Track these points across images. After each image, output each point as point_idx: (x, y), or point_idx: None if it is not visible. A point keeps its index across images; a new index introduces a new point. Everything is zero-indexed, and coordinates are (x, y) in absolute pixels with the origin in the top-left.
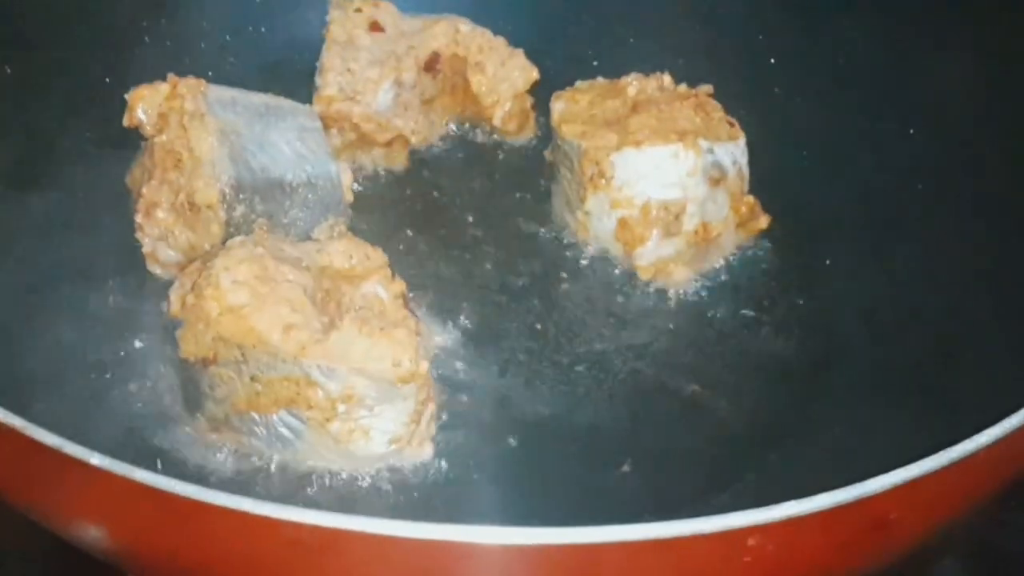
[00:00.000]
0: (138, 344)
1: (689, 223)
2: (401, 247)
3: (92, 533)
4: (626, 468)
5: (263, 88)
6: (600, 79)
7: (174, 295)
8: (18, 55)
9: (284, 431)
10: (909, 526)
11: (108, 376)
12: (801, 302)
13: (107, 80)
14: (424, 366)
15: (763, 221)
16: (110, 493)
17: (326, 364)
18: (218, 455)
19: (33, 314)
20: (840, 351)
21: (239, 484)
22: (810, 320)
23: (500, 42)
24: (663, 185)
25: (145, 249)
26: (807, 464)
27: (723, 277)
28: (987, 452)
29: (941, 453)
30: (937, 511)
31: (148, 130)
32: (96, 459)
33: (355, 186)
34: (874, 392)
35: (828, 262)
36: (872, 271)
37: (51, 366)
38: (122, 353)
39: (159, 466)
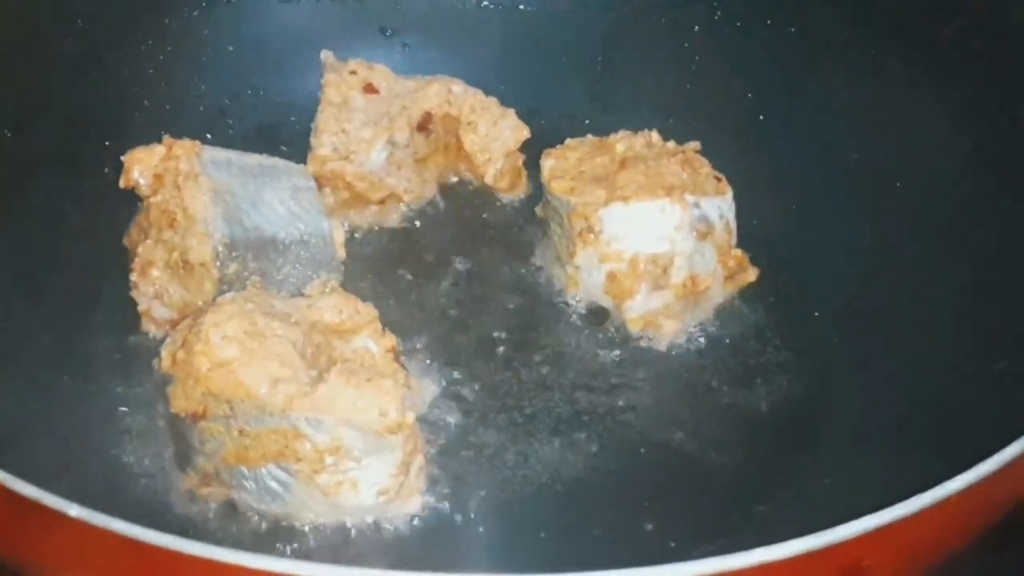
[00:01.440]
0: (131, 400)
1: (677, 276)
2: (393, 303)
3: None
4: (613, 520)
5: (260, 150)
6: (590, 137)
7: (165, 351)
8: (18, 119)
9: (273, 484)
10: (881, 572)
11: (100, 432)
12: (789, 354)
13: (107, 144)
14: (411, 416)
15: (751, 274)
16: (89, 544)
17: (313, 416)
18: (207, 510)
19: (29, 368)
20: (827, 403)
21: (225, 537)
22: (798, 372)
23: (492, 102)
24: (651, 239)
25: (141, 307)
26: (796, 516)
27: (712, 330)
28: (959, 497)
29: (911, 499)
30: (910, 557)
31: (144, 191)
32: (74, 510)
33: (347, 244)
34: (862, 442)
35: (816, 314)
36: (860, 324)
37: (44, 420)
38: (116, 409)
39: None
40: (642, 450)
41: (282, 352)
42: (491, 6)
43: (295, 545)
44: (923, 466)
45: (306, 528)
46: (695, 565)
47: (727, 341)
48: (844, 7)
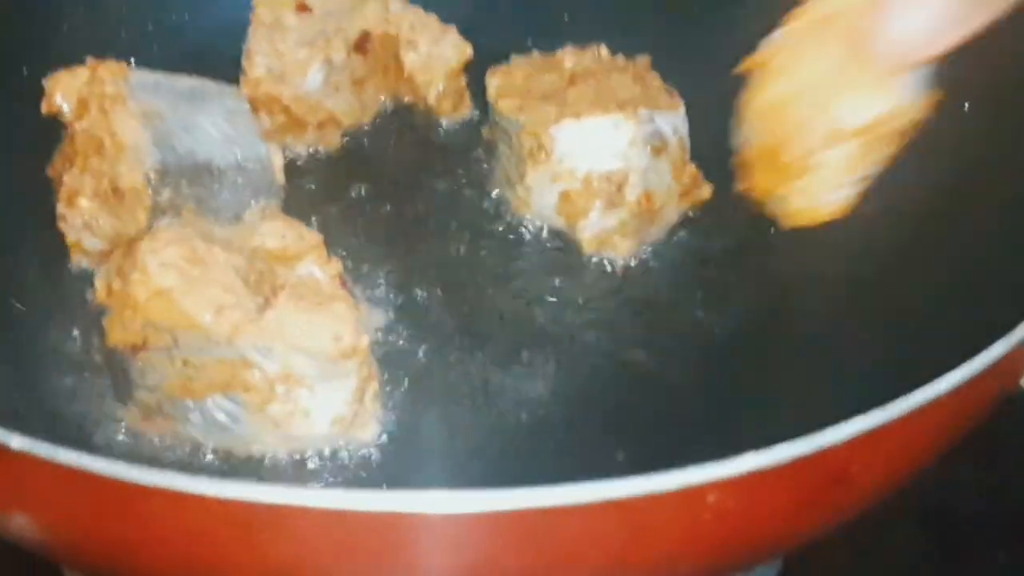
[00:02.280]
0: (64, 335)
1: (632, 194)
2: (336, 228)
3: (17, 522)
4: (580, 446)
5: (189, 75)
6: (536, 53)
7: (100, 281)
8: None
9: (220, 416)
10: (870, 478)
11: (34, 370)
12: (745, 272)
13: (24, 70)
14: (365, 340)
15: (706, 191)
16: (33, 477)
17: (262, 343)
18: (152, 444)
19: None
20: (789, 316)
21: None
22: (757, 287)
23: (432, 20)
24: (605, 156)
25: (69, 239)
26: (763, 429)
27: (667, 248)
28: (948, 397)
29: (901, 399)
30: (899, 461)
31: (68, 117)
32: (16, 441)
33: (287, 167)
34: (826, 354)
35: (772, 231)
36: (816, 239)
37: None
38: (48, 345)
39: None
40: (603, 370)
41: (225, 278)
42: None
43: (247, 477)
44: (895, 374)
45: (256, 459)
46: (684, 474)
47: (683, 259)
48: None
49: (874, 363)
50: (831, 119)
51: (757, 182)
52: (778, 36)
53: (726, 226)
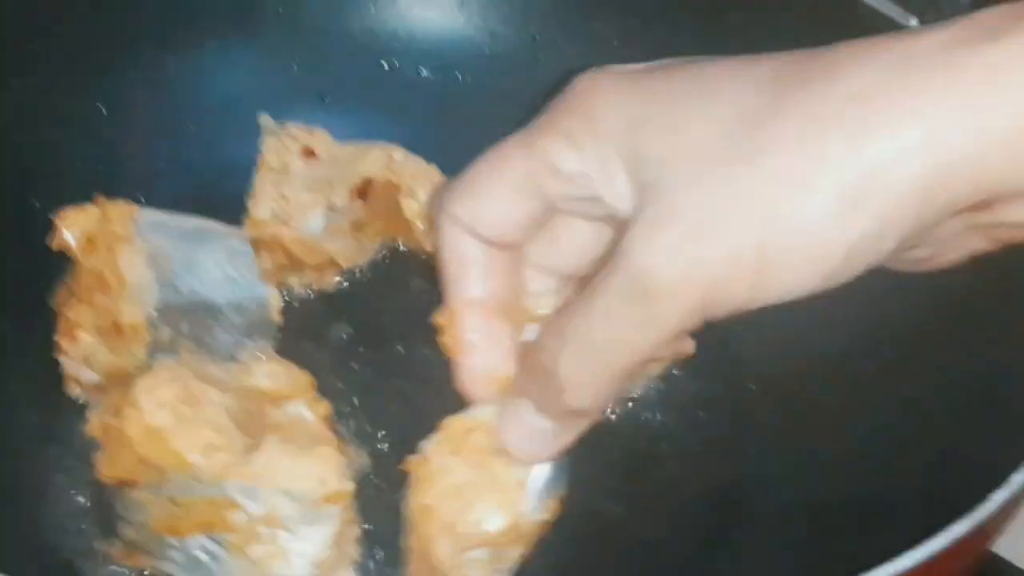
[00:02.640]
0: (55, 467)
1: None
2: (327, 369)
3: None
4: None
5: (196, 212)
6: None
7: (94, 415)
8: None
9: (202, 555)
10: None
11: (21, 498)
12: (725, 428)
13: (36, 204)
14: (349, 486)
15: (688, 346)
16: None
17: (249, 485)
18: None
19: None
20: (764, 478)
21: None
22: (734, 446)
23: (432, 170)
24: None
25: (66, 371)
26: None
27: (648, 402)
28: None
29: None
30: None
31: (75, 252)
32: None
33: (284, 307)
34: (797, 521)
35: (752, 387)
36: (797, 399)
37: None
38: (36, 477)
39: None
40: (579, 523)
41: (216, 419)
42: (431, 76)
43: None
44: (879, 534)
45: None
46: None
47: (663, 414)
48: None
49: (869, 517)
50: (468, 525)
51: None
52: (427, 444)
53: (705, 383)
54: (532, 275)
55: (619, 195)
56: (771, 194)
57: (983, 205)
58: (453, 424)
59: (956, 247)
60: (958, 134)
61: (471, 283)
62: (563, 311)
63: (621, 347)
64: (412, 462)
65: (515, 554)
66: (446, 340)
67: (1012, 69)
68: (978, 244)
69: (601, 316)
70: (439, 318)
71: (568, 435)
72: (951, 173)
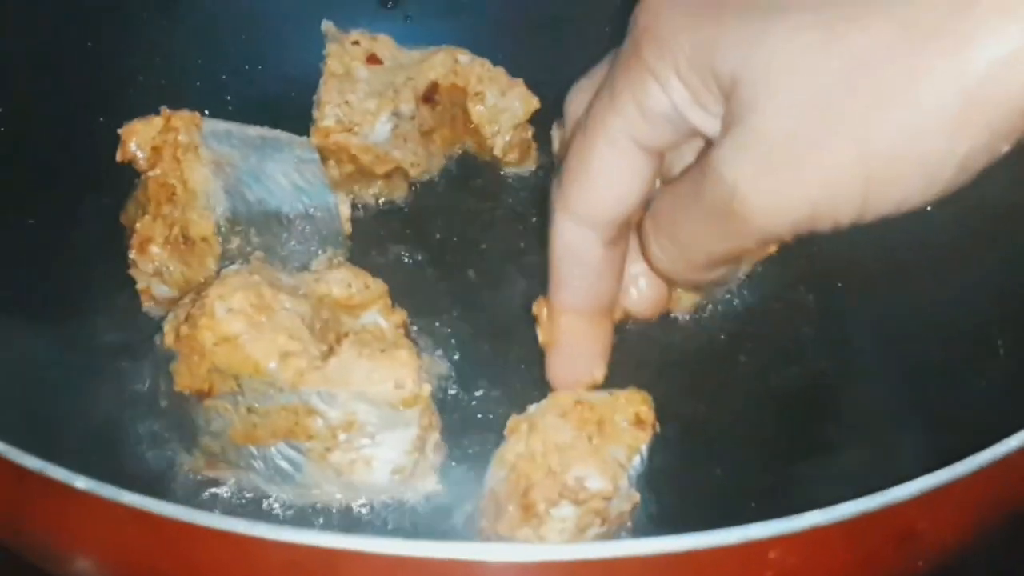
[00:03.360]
0: (132, 380)
1: None
2: (401, 278)
3: (80, 564)
4: (639, 498)
5: (261, 124)
6: None
7: (168, 326)
8: (11, 94)
9: (283, 464)
10: (938, 536)
11: (102, 414)
12: (812, 327)
13: (101, 119)
14: (427, 389)
15: (771, 246)
16: (97, 519)
17: (326, 390)
18: (216, 491)
19: (26, 353)
20: (853, 376)
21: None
22: (821, 345)
23: (500, 72)
24: None
25: (140, 286)
26: (824, 486)
27: (732, 302)
28: (1019, 455)
29: (969, 459)
30: (967, 520)
31: (142, 165)
32: (81, 482)
33: (354, 218)
34: (890, 410)
35: (840, 285)
36: (885, 293)
37: (44, 404)
38: (116, 390)
39: None
40: (665, 426)
41: (291, 325)
42: None
43: (308, 524)
44: (956, 430)
45: (318, 507)
46: (745, 530)
47: (748, 314)
48: None
49: (941, 419)
50: (572, 478)
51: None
52: (539, 404)
53: (793, 281)
54: None
55: (708, 117)
56: (874, 113)
57: None
58: (562, 395)
59: None
60: None
61: (580, 291)
62: (659, 199)
63: (702, 248)
64: (516, 420)
65: (593, 532)
66: (542, 333)
67: None
68: None
69: (686, 220)
70: (537, 309)
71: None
72: None
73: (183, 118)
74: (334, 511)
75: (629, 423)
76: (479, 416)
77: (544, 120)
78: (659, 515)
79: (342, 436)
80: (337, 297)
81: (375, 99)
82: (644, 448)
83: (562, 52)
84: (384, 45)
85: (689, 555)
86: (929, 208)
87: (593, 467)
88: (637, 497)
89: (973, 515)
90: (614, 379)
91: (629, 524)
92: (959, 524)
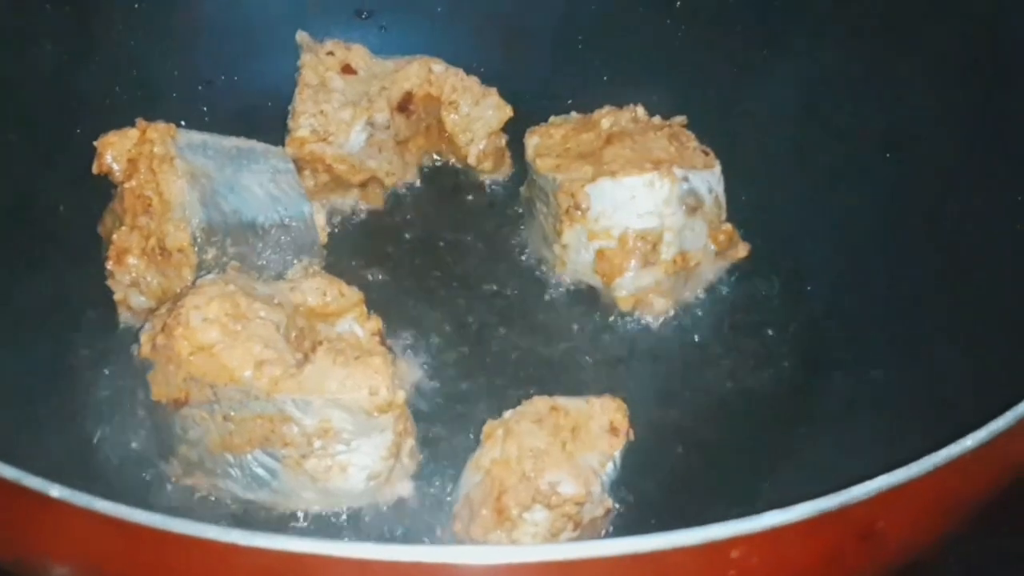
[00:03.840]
0: (109, 390)
1: (667, 252)
2: (376, 286)
3: (56, 572)
4: (611, 504)
5: (237, 135)
6: (574, 114)
7: (145, 336)
8: None
9: (259, 471)
10: (897, 535)
11: (80, 425)
12: (781, 330)
13: (78, 131)
14: (401, 395)
15: (742, 249)
16: (72, 527)
17: (300, 397)
18: (190, 499)
19: (2, 363)
20: (821, 377)
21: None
22: (791, 347)
23: (473, 81)
24: (640, 215)
25: (117, 296)
26: (797, 486)
27: (704, 306)
28: (972, 456)
29: (925, 459)
30: (926, 518)
31: (118, 176)
32: (56, 491)
33: (329, 227)
34: (859, 411)
35: (808, 288)
36: (851, 297)
37: (20, 412)
38: (93, 399)
39: None
40: (638, 428)
41: (265, 334)
42: None
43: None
44: (923, 430)
45: (293, 516)
46: (706, 530)
47: (719, 317)
48: None
49: (908, 420)
50: (545, 483)
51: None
52: (515, 410)
53: (763, 284)
54: None
55: None
56: None
57: None
58: (538, 402)
59: None
60: None
61: None
62: None
63: None
64: (491, 425)
65: (565, 536)
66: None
67: None
68: None
69: None
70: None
71: None
72: None
73: (159, 130)
74: (310, 516)
75: (603, 430)
76: (454, 422)
77: (517, 128)
78: (631, 521)
79: (317, 443)
80: (312, 305)
81: (350, 109)
82: (617, 455)
83: (535, 62)
84: (359, 55)
85: (653, 556)
86: (896, 210)
87: (567, 472)
88: (610, 503)
89: (932, 514)
90: (589, 386)
91: (602, 531)
92: (919, 523)
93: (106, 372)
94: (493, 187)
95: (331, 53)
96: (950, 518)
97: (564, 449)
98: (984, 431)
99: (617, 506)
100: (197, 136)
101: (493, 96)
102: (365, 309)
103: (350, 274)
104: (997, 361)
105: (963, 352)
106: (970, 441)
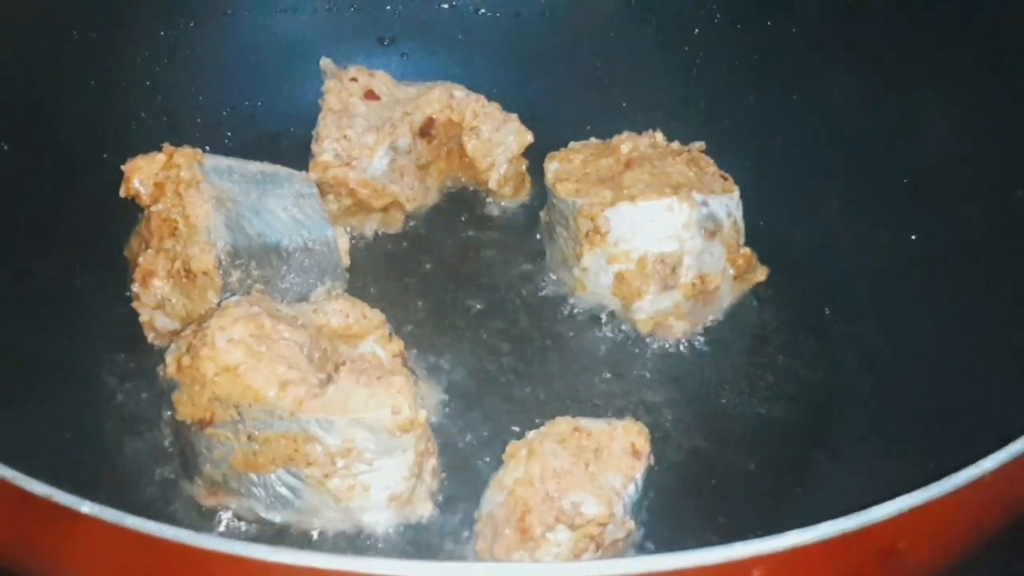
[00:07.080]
0: (135, 410)
1: (686, 275)
2: (398, 309)
3: None
4: (633, 526)
5: (260, 160)
6: (593, 139)
7: (170, 357)
8: (16, 131)
9: (283, 490)
10: (917, 555)
11: (107, 445)
12: (800, 353)
13: (105, 156)
14: (423, 414)
15: (760, 273)
16: (102, 542)
17: (324, 417)
18: (215, 518)
19: (32, 381)
20: (839, 400)
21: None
22: (809, 370)
23: (494, 107)
24: (659, 238)
25: (142, 318)
26: (815, 508)
27: (722, 330)
28: (992, 477)
29: (945, 479)
30: (945, 539)
31: (144, 200)
32: (87, 507)
33: (352, 250)
34: (875, 439)
35: (827, 311)
36: (870, 320)
37: (50, 434)
38: (120, 419)
39: None
40: (659, 452)
41: (289, 355)
42: (489, 13)
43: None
44: (942, 453)
45: (316, 535)
46: (728, 550)
47: (738, 341)
48: (842, 5)
49: (927, 442)
50: (568, 503)
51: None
52: (538, 431)
53: (781, 308)
54: None
55: None
56: None
57: None
58: (561, 422)
59: None
60: None
61: None
62: None
63: None
64: (515, 445)
65: (587, 557)
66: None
67: None
68: None
69: None
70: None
71: None
72: None
73: (185, 154)
74: (333, 534)
75: (625, 452)
76: (476, 442)
77: (538, 154)
78: (652, 543)
79: (340, 462)
80: (335, 327)
81: (373, 134)
82: (639, 477)
83: (555, 88)
84: (381, 81)
85: (673, 575)
86: (913, 237)
87: (590, 493)
88: (632, 525)
89: (951, 535)
90: (608, 409)
91: (623, 553)
92: (938, 544)
93: (132, 393)
94: (514, 212)
95: (354, 79)
96: (968, 539)
97: (587, 470)
98: (1004, 452)
99: (638, 528)
100: (223, 161)
101: (514, 122)
102: (387, 331)
103: (372, 297)
104: (1015, 389)
105: (981, 378)
106: (989, 463)
